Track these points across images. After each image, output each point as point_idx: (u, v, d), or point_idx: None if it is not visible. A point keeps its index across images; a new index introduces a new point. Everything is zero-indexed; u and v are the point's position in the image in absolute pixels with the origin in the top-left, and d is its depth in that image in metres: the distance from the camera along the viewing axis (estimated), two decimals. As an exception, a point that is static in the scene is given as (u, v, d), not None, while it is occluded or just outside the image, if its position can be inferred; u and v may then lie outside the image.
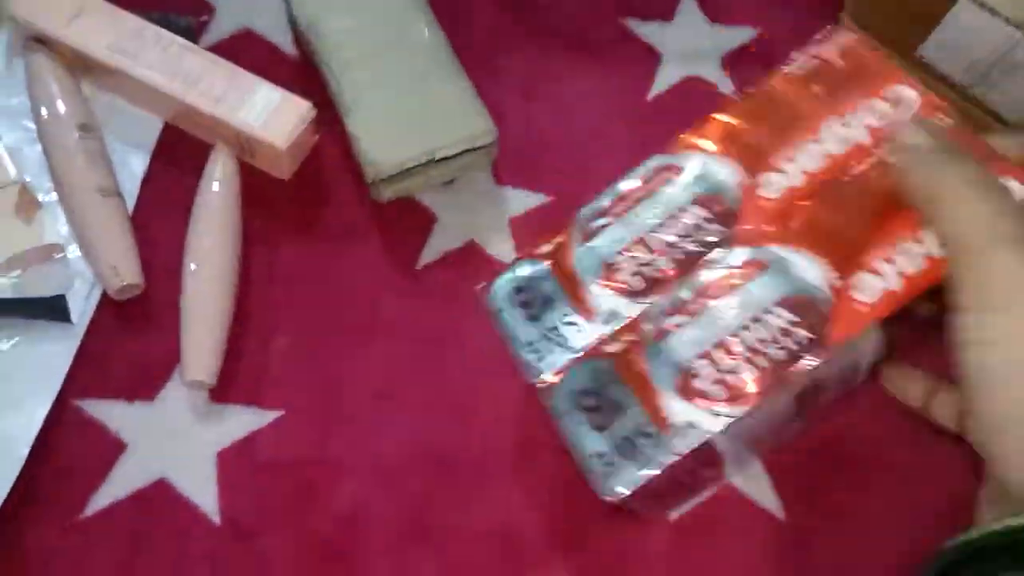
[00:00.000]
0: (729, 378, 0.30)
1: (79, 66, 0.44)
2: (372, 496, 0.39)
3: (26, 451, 0.37)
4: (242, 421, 0.40)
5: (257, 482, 0.39)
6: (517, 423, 0.41)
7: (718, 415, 0.30)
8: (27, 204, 0.41)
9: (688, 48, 0.51)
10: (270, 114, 0.42)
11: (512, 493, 0.40)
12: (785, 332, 0.31)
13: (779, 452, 0.40)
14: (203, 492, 0.38)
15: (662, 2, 0.52)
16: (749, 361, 0.30)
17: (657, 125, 0.48)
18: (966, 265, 0.28)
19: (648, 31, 0.51)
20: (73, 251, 0.42)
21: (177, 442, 0.39)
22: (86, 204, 0.41)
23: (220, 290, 0.41)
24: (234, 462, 0.39)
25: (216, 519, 0.38)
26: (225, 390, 0.40)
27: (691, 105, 0.49)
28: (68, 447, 0.38)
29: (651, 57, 0.50)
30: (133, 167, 0.44)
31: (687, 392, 0.30)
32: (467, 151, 0.43)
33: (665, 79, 0.50)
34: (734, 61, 0.50)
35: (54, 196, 0.43)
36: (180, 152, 0.45)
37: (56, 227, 0.42)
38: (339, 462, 0.39)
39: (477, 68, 0.48)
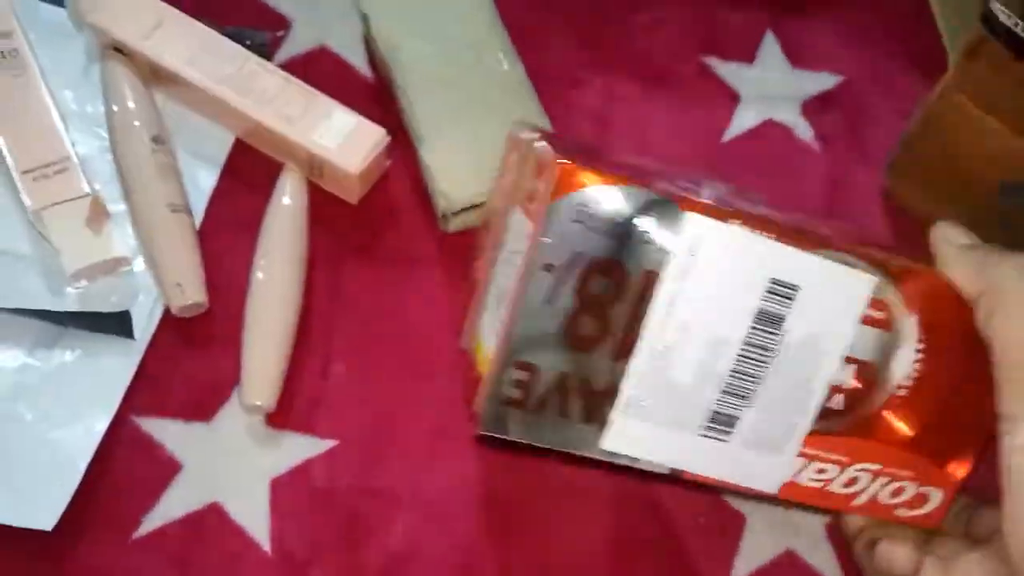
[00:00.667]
0: None
1: (154, 77, 0.44)
2: (424, 533, 0.38)
3: (84, 466, 0.37)
4: (297, 448, 0.39)
5: (309, 512, 0.38)
6: (571, 467, 0.40)
7: None
8: (97, 215, 0.41)
9: (768, 91, 0.49)
10: (344, 138, 0.42)
11: (564, 534, 0.39)
12: None
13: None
14: (255, 519, 0.38)
15: (744, 42, 0.51)
16: None
17: (731, 168, 0.47)
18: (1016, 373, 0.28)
19: (728, 71, 0.50)
20: (138, 264, 0.42)
21: (231, 466, 0.39)
22: (155, 219, 0.41)
23: (284, 313, 0.40)
24: (287, 490, 0.39)
25: (267, 547, 0.38)
26: (281, 415, 0.40)
27: (768, 150, 0.48)
28: (124, 464, 0.38)
29: (730, 98, 0.49)
30: (202, 182, 0.44)
31: None
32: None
33: (742, 122, 0.49)
34: (814, 107, 0.49)
35: (123, 206, 0.43)
36: (249, 169, 0.45)
37: (123, 239, 0.42)
38: (392, 497, 0.39)
39: (552, 100, 0.48)
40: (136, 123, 0.42)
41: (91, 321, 0.39)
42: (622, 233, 0.30)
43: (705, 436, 0.33)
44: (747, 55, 0.50)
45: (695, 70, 0.50)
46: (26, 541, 0.36)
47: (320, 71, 0.47)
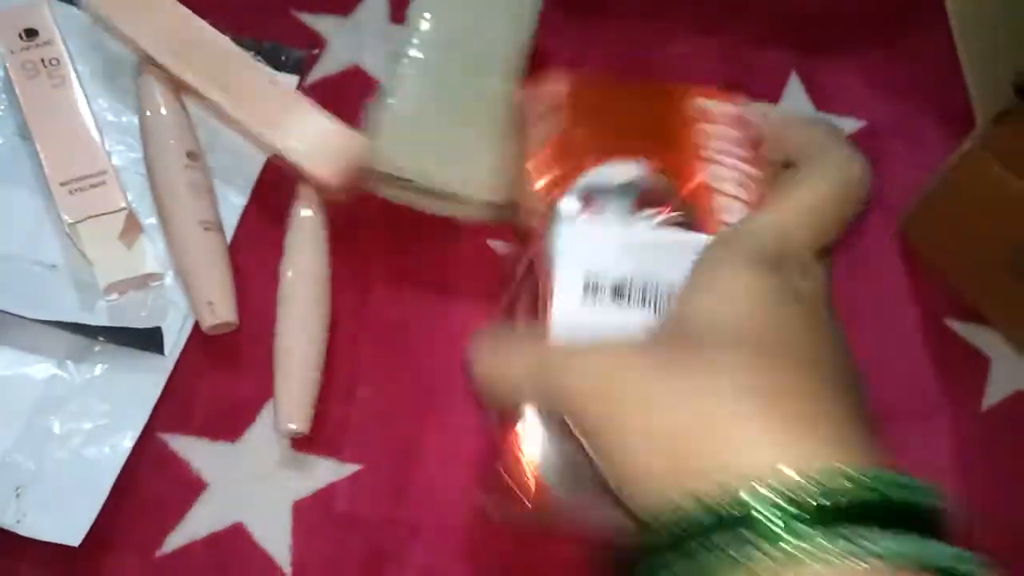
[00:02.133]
0: None
1: (187, 91, 0.44)
2: (446, 564, 0.39)
3: (111, 482, 0.37)
4: (321, 472, 0.40)
5: (331, 537, 0.39)
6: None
7: None
8: (131, 229, 0.41)
9: (792, 133, 0.50)
10: (319, 143, 0.43)
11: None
12: None
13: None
14: (277, 541, 0.38)
15: (770, 83, 0.51)
16: None
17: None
18: None
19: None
20: (169, 278, 0.42)
21: (256, 488, 0.39)
22: (187, 236, 0.41)
23: (315, 333, 0.40)
24: (310, 514, 0.39)
25: (288, 570, 0.38)
26: (306, 437, 0.40)
27: (788, 191, 0.49)
28: (150, 481, 0.39)
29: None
30: (233, 200, 0.44)
31: None
32: (462, 200, 0.42)
33: (765, 162, 0.49)
34: (837, 151, 0.50)
35: (154, 220, 0.43)
36: (280, 187, 0.45)
37: (154, 252, 0.42)
38: (414, 525, 0.39)
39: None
40: (171, 139, 0.42)
41: (122, 336, 0.40)
42: None
43: None
44: (773, 96, 0.51)
45: (722, 108, 0.50)
46: (51, 556, 0.36)
47: (353, 90, 0.47)
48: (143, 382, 0.40)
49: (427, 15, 0.44)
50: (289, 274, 0.42)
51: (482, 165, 0.42)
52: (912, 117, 0.51)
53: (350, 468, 0.40)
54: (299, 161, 0.42)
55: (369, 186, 0.44)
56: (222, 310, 0.40)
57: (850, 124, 0.51)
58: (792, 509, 0.21)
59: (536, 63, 0.48)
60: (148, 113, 0.43)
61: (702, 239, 0.30)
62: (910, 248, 0.48)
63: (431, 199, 0.43)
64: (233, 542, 0.38)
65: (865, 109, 0.51)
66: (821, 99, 0.51)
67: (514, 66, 0.45)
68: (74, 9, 0.46)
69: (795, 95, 0.51)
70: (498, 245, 0.45)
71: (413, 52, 0.44)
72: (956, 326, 0.46)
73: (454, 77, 0.43)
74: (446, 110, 0.43)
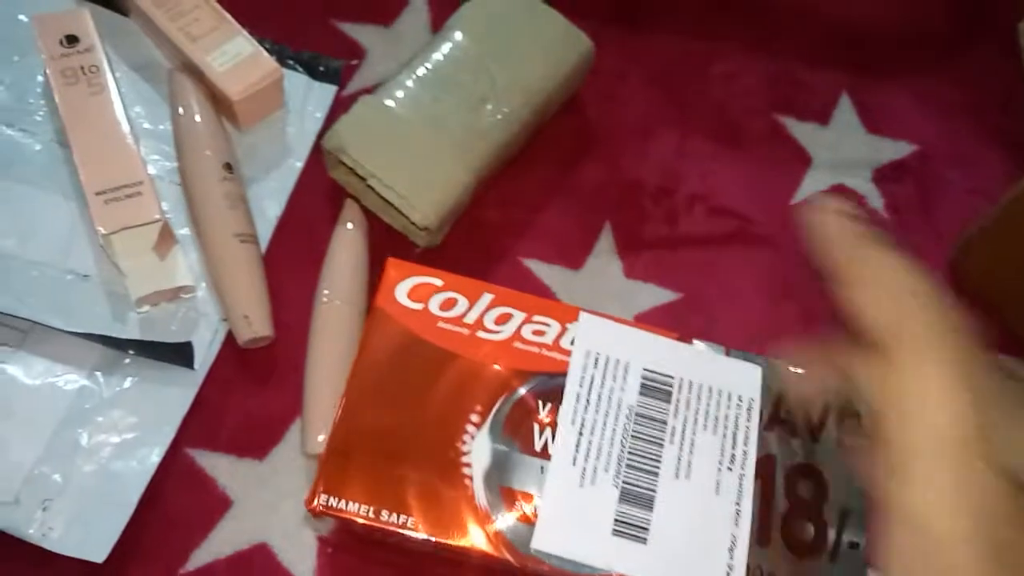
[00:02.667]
0: None
1: (221, 103, 0.44)
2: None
3: (137, 497, 0.37)
4: (347, 493, 0.39)
5: (355, 560, 0.38)
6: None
7: None
8: (165, 241, 0.40)
9: (840, 155, 0.49)
10: (235, 65, 0.43)
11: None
12: None
13: None
14: (301, 564, 0.38)
15: (820, 103, 0.50)
16: None
17: (797, 232, 0.47)
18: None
19: (802, 132, 0.49)
20: (201, 291, 0.41)
21: (281, 507, 0.39)
22: (223, 249, 0.40)
23: (347, 357, 0.40)
24: (334, 536, 0.38)
25: (312, 593, 0.38)
26: (333, 457, 0.39)
27: (836, 216, 0.47)
28: (176, 497, 0.38)
29: (801, 159, 0.48)
30: (268, 212, 0.44)
31: None
32: (400, 211, 0.41)
33: (812, 184, 0.48)
34: (887, 175, 0.48)
35: (188, 231, 0.42)
36: (315, 200, 0.45)
37: (187, 264, 0.41)
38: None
39: (623, 149, 0.47)
40: (208, 151, 0.42)
41: (152, 349, 0.39)
42: None
43: None
44: (822, 117, 0.50)
45: (768, 128, 0.49)
46: (76, 569, 0.36)
47: (391, 103, 0.47)
48: (172, 396, 0.39)
49: (458, 34, 0.43)
50: (325, 294, 0.41)
51: (428, 186, 0.41)
52: (968, 142, 0.49)
53: (377, 490, 0.39)
54: (212, 77, 0.43)
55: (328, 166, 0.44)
56: (258, 324, 0.40)
57: (902, 147, 0.49)
58: None
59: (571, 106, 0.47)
60: (183, 122, 0.43)
61: None
62: (961, 279, 0.46)
63: (372, 198, 0.43)
64: (257, 561, 0.38)
65: (918, 132, 0.49)
66: (872, 121, 0.49)
67: (521, 111, 0.43)
68: (114, 15, 0.46)
69: (845, 116, 0.50)
70: (533, 265, 0.44)
71: (426, 62, 0.43)
72: (1008, 362, 0.44)
73: (452, 101, 0.42)
74: (424, 123, 0.42)
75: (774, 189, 0.48)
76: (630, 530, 0.30)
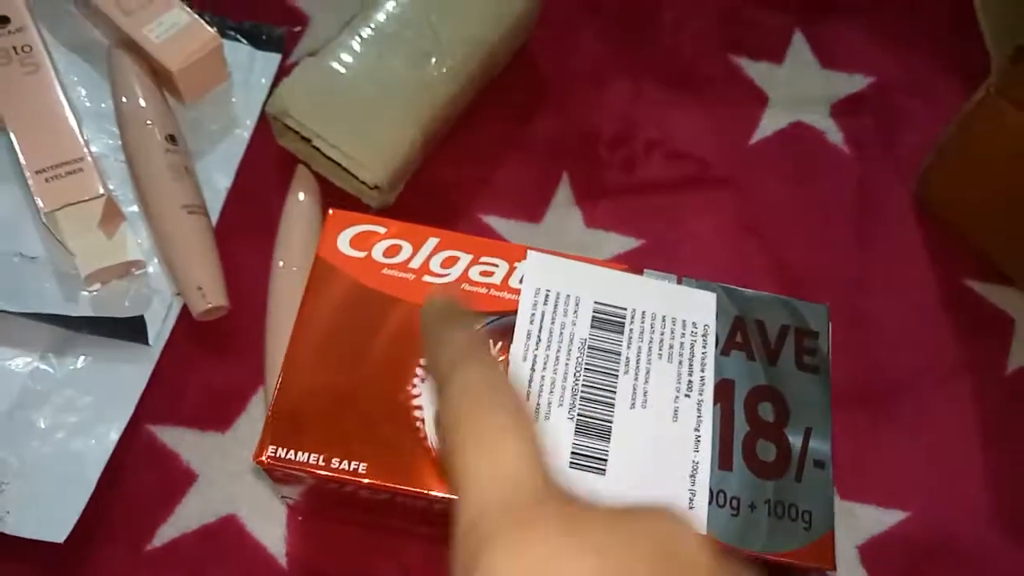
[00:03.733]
0: None
1: (162, 76, 0.43)
2: (445, 552, 0.37)
3: (97, 475, 0.36)
4: (314, 460, 0.38)
5: (325, 526, 0.37)
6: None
7: None
8: (111, 217, 0.39)
9: (797, 92, 0.48)
10: (173, 36, 0.42)
11: None
12: None
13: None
14: (271, 533, 0.37)
15: (773, 42, 0.49)
16: None
17: (757, 173, 0.46)
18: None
19: (756, 72, 0.48)
20: (152, 267, 0.41)
21: (248, 478, 0.38)
22: (171, 221, 0.40)
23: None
24: (301, 502, 0.38)
25: (282, 562, 0.37)
26: (298, 424, 0.39)
27: (795, 153, 0.47)
28: (138, 474, 0.38)
29: (757, 99, 0.48)
30: (217, 183, 0.43)
31: None
32: (349, 172, 0.41)
33: (770, 124, 0.47)
34: (845, 110, 0.48)
35: (136, 208, 0.42)
36: (265, 169, 0.44)
37: (136, 241, 0.41)
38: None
39: (577, 98, 0.47)
40: (148, 122, 0.41)
41: (105, 326, 0.38)
42: None
43: None
44: (776, 55, 0.49)
45: (723, 70, 0.48)
46: (37, 553, 0.35)
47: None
48: (128, 373, 0.39)
49: None
50: (281, 263, 0.40)
51: (375, 144, 0.40)
52: (924, 70, 0.49)
53: (344, 454, 0.39)
54: (149, 50, 0.42)
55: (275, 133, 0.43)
56: (213, 294, 0.39)
57: (858, 81, 0.49)
58: None
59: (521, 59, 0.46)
60: (124, 98, 0.42)
61: None
62: (927, 208, 0.45)
63: (321, 161, 0.42)
64: (226, 534, 0.37)
65: (873, 64, 0.49)
66: (826, 56, 0.49)
67: (466, 64, 0.42)
68: (49, -5, 0.45)
69: (799, 53, 0.49)
70: (493, 221, 0.44)
71: (368, 21, 0.42)
72: (977, 287, 0.44)
73: (396, 58, 0.41)
74: (368, 82, 0.41)
75: (731, 131, 0.47)
76: (588, 462, 0.29)
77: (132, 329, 0.39)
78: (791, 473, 0.30)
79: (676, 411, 0.30)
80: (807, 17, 0.50)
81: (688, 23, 0.49)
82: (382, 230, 0.33)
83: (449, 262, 0.33)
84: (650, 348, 0.31)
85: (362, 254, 0.33)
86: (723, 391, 0.31)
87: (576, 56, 0.48)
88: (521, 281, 0.32)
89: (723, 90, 0.48)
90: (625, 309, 0.32)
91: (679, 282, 0.33)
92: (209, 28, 0.43)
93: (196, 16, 0.43)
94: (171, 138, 0.41)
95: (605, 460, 0.29)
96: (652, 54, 0.48)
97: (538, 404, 0.30)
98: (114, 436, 0.37)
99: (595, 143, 0.46)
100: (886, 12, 0.50)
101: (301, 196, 0.42)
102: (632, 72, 0.48)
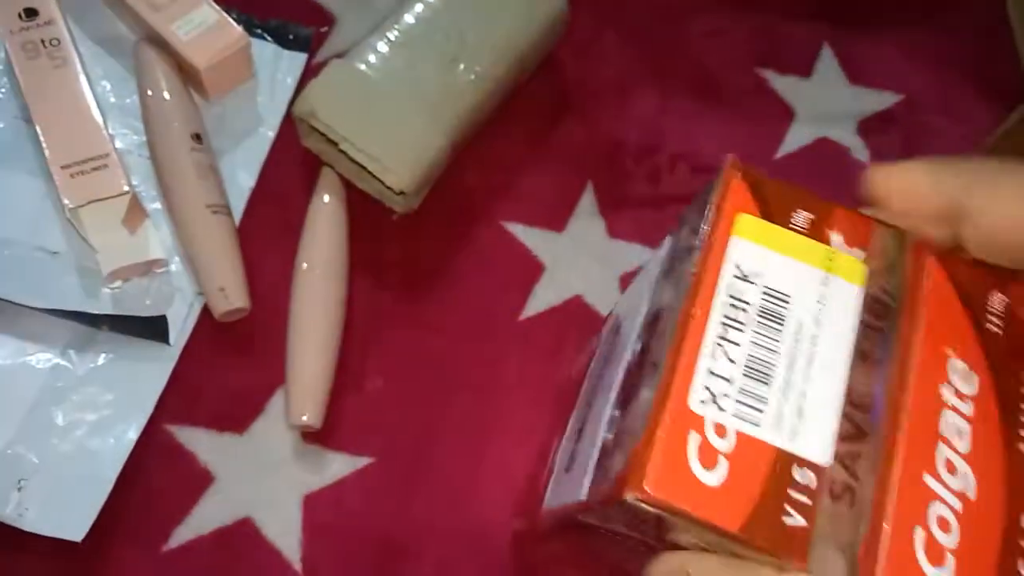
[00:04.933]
0: None
1: (188, 73, 0.43)
2: (459, 561, 0.37)
3: (114, 475, 0.36)
4: (331, 465, 0.38)
5: (342, 532, 0.37)
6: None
7: None
8: (135, 214, 0.39)
9: (824, 108, 0.48)
10: (200, 33, 0.42)
11: None
12: None
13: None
14: (287, 537, 0.37)
15: (801, 56, 0.49)
16: None
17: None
18: None
19: (784, 85, 0.48)
20: (174, 265, 0.40)
21: (265, 481, 0.38)
22: (195, 221, 0.39)
23: (330, 322, 0.39)
24: (321, 508, 0.38)
25: (298, 566, 0.37)
26: (316, 430, 0.39)
27: (820, 169, 0.47)
28: (156, 474, 0.37)
29: (784, 114, 0.48)
30: (241, 183, 0.43)
31: None
32: (375, 176, 0.40)
33: (796, 138, 0.47)
34: (872, 126, 0.47)
35: (159, 204, 0.41)
36: (289, 169, 0.44)
37: (159, 238, 0.40)
38: (426, 523, 0.38)
39: (603, 109, 0.46)
40: (175, 121, 0.41)
41: (126, 324, 0.38)
42: None
43: None
44: (804, 69, 0.49)
45: (750, 83, 0.48)
46: (54, 551, 0.35)
47: (364, 69, 0.46)
48: (148, 372, 0.38)
49: None
50: (304, 265, 0.40)
51: (402, 149, 0.40)
52: (954, 90, 0.48)
53: (361, 461, 0.39)
54: (177, 47, 0.42)
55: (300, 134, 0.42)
56: (235, 296, 0.39)
57: (886, 98, 0.48)
58: None
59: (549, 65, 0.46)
60: (150, 93, 0.42)
61: None
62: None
63: (346, 164, 0.42)
64: (241, 537, 0.37)
65: (902, 82, 0.48)
66: (855, 72, 0.49)
67: (494, 70, 0.42)
68: (77, -12, 0.45)
69: (828, 68, 0.49)
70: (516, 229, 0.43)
71: (397, 24, 0.42)
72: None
73: (424, 62, 0.41)
74: (396, 85, 0.41)
75: (757, 145, 0.47)
76: None
77: (153, 328, 0.38)
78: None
79: None
80: (837, 32, 0.50)
81: (717, 34, 0.49)
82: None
83: None
84: None
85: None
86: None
87: (603, 64, 0.48)
88: None
89: (750, 103, 0.48)
90: None
91: None
92: (237, 26, 0.42)
93: (224, 14, 0.42)
94: (197, 137, 0.41)
95: None
96: (680, 64, 0.48)
97: None
98: (132, 435, 0.37)
99: (620, 153, 0.46)
100: (917, 30, 0.50)
101: (326, 198, 0.42)
102: (659, 82, 0.48)
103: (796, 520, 0.20)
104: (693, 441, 0.21)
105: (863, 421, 0.22)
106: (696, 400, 0.21)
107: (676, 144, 0.46)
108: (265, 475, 0.38)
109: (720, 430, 0.21)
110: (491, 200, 0.44)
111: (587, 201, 0.45)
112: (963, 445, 0.22)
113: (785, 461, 0.21)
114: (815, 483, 0.21)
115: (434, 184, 0.43)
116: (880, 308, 0.24)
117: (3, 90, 0.43)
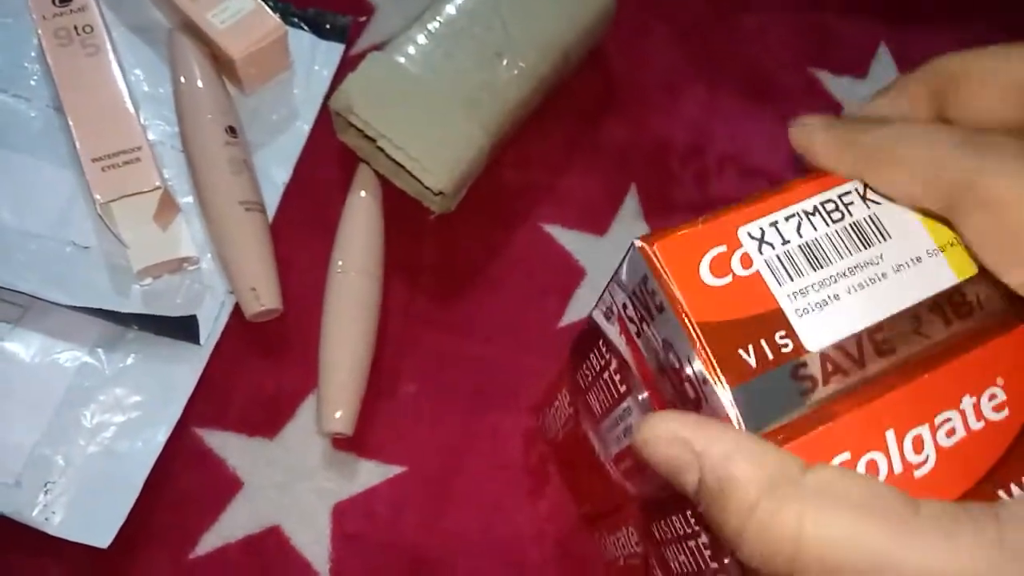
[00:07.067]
0: None
1: (222, 63, 0.41)
2: (490, 572, 0.36)
3: (143, 479, 0.35)
4: (362, 474, 0.37)
5: (372, 543, 0.36)
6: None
7: None
8: (166, 209, 0.38)
9: (880, 111, 0.46)
10: (237, 22, 0.41)
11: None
12: None
13: None
14: (316, 546, 0.36)
15: (857, 56, 0.47)
16: None
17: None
18: None
19: (838, 86, 0.46)
20: (206, 262, 0.39)
21: (294, 488, 0.37)
22: (228, 218, 0.38)
23: (364, 328, 0.38)
24: (350, 517, 0.37)
25: (327, 577, 0.36)
26: (348, 437, 0.38)
27: (875, 175, 0.45)
28: (184, 478, 0.37)
29: (837, 114, 0.45)
30: (275, 178, 0.41)
31: None
32: (413, 175, 0.39)
33: (850, 142, 0.45)
34: (930, 132, 0.45)
35: (191, 199, 0.40)
36: (324, 165, 0.42)
37: (191, 234, 0.39)
38: (457, 534, 0.37)
39: (651, 105, 0.45)
40: (209, 113, 0.40)
41: (156, 324, 0.37)
42: None
43: None
44: (859, 69, 0.47)
45: (803, 83, 0.46)
46: (81, 554, 0.34)
47: (402, 62, 0.44)
48: (177, 373, 0.37)
49: None
50: (339, 265, 0.39)
51: (441, 148, 0.38)
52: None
53: (392, 470, 0.37)
54: (212, 36, 0.40)
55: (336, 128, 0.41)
56: (267, 296, 0.38)
57: (946, 101, 0.46)
58: None
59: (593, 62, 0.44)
60: (184, 85, 0.40)
61: None
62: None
63: (383, 161, 0.40)
64: (269, 545, 0.36)
65: (964, 85, 0.46)
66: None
67: (538, 66, 0.41)
68: (111, -28, 0.44)
69: (884, 68, 0.47)
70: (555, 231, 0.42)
71: (438, 15, 0.40)
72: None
73: (465, 56, 0.40)
74: (436, 80, 0.39)
75: (809, 147, 0.45)
76: None
77: (184, 328, 0.37)
78: None
79: None
80: (894, 31, 0.47)
81: (769, 32, 0.47)
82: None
83: None
84: None
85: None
86: None
87: (650, 61, 0.46)
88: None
89: (802, 104, 0.46)
90: None
91: None
92: (274, 15, 0.41)
93: (261, 2, 0.41)
94: (231, 130, 0.40)
95: None
96: (730, 63, 0.46)
97: None
98: (161, 438, 0.36)
99: (667, 154, 0.44)
100: (976, 29, 0.48)
101: (363, 195, 0.40)
102: (708, 81, 0.46)
103: (748, 360, 0.21)
104: (717, 249, 0.22)
105: (870, 356, 0.21)
106: (745, 230, 0.22)
107: (725, 145, 0.45)
108: (295, 482, 0.37)
109: (746, 261, 0.22)
110: (531, 201, 0.43)
111: (631, 204, 0.43)
112: (944, 442, 0.21)
113: (777, 321, 0.21)
114: (789, 350, 0.21)
115: (473, 183, 0.42)
116: (962, 304, 0.23)
117: (35, 77, 0.41)
